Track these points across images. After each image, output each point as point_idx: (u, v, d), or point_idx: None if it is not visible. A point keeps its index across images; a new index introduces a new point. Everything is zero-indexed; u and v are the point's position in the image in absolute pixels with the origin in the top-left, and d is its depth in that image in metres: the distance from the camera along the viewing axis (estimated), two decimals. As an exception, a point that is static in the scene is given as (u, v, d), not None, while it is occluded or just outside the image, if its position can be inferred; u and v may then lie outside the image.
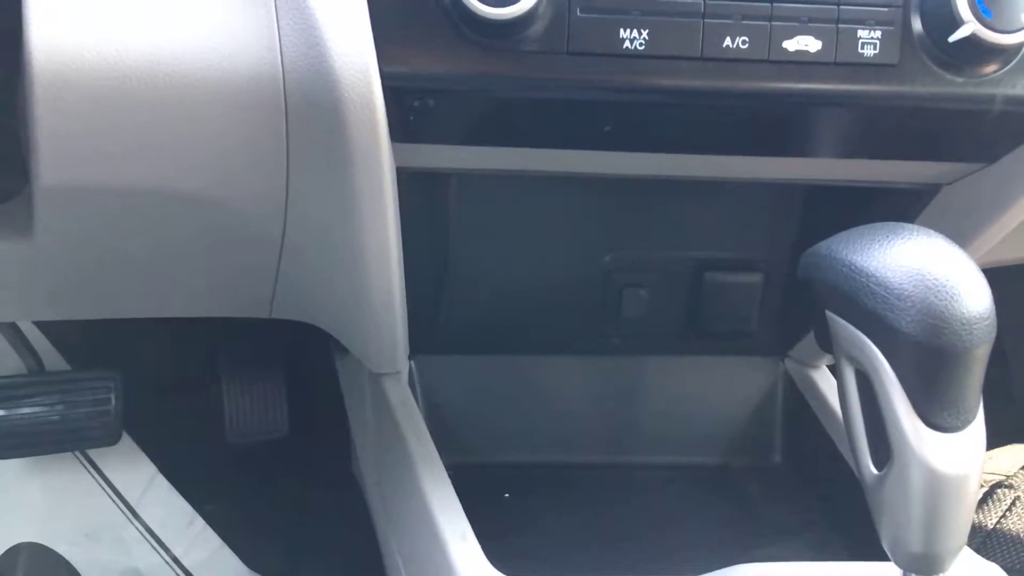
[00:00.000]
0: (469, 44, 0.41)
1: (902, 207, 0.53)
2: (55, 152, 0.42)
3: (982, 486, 0.90)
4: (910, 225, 0.39)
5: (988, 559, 0.49)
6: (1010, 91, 0.43)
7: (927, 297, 0.36)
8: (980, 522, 0.81)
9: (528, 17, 0.40)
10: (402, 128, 0.44)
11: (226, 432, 0.97)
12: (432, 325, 0.61)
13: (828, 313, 0.39)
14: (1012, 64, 0.42)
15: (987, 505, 0.86)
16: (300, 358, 0.94)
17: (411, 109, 0.43)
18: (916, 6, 0.42)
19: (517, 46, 0.41)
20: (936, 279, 0.36)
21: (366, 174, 0.45)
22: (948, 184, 0.51)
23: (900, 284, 0.36)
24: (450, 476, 0.55)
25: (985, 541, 0.78)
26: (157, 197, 0.46)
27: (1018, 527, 0.79)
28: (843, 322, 0.38)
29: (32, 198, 0.46)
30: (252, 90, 0.42)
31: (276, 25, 0.41)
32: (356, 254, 0.49)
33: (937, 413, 0.37)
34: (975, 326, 0.35)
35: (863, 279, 0.37)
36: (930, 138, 0.47)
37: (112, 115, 0.41)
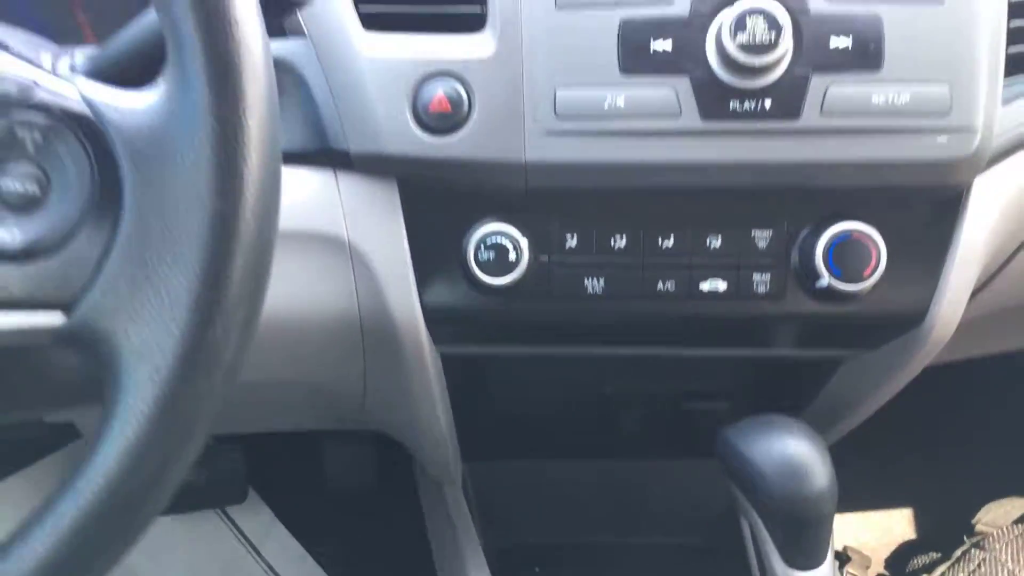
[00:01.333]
0: (479, 292, 0.60)
1: (819, 373, 0.70)
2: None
3: (962, 544, 1.04)
4: (785, 419, 0.56)
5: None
6: (869, 309, 0.60)
7: (787, 482, 0.53)
8: (949, 580, 0.96)
9: (519, 282, 0.59)
10: (440, 337, 0.64)
11: (329, 481, 1.22)
12: (479, 440, 0.82)
13: (729, 482, 0.57)
14: (864, 296, 0.58)
15: (959, 565, 1.00)
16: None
17: (445, 329, 0.64)
18: (794, 263, 0.59)
19: (513, 296, 0.60)
20: (794, 467, 0.54)
21: (416, 368, 0.65)
22: (848, 360, 0.68)
23: (770, 470, 0.54)
24: (493, 555, 0.75)
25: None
26: (283, 384, 0.69)
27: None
28: (738, 491, 0.56)
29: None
30: (341, 325, 0.63)
31: (355, 285, 0.62)
32: (413, 412, 0.70)
33: (796, 558, 0.55)
34: (821, 500, 0.53)
35: (747, 465, 0.55)
36: (818, 335, 0.64)
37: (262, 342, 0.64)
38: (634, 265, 0.60)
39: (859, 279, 0.57)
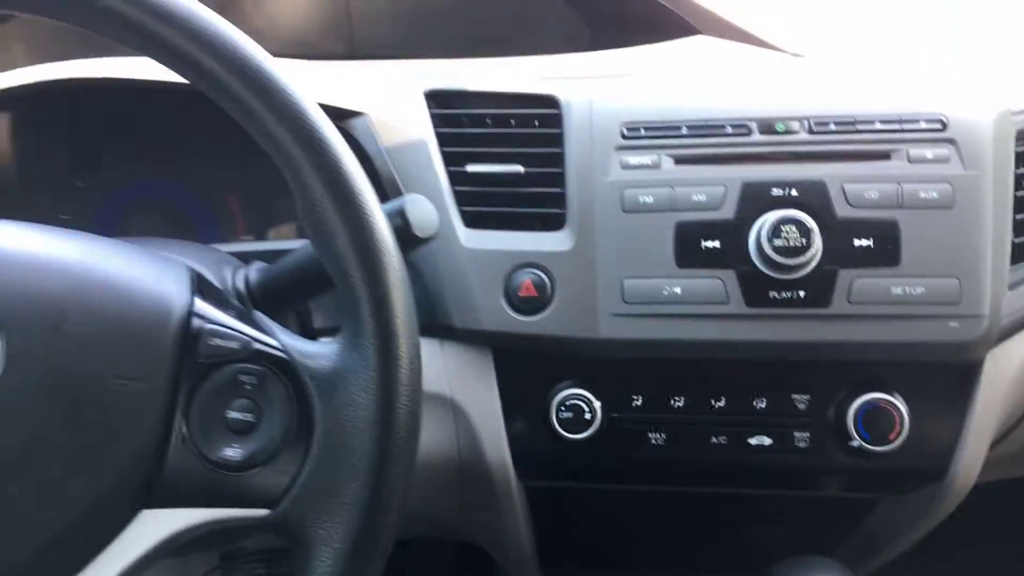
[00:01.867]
0: (560, 443, 0.71)
1: (855, 513, 0.79)
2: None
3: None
4: (823, 561, 0.66)
5: None
6: (896, 464, 0.69)
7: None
8: None
9: (593, 436, 0.70)
10: (525, 474, 0.75)
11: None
12: (557, 551, 0.92)
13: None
14: (892, 454, 0.68)
15: None
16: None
17: (530, 468, 0.75)
18: (829, 423, 0.69)
19: (588, 447, 0.71)
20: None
21: (505, 498, 0.76)
22: (880, 502, 0.77)
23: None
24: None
25: None
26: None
27: None
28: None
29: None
30: (443, 463, 0.75)
31: (455, 433, 0.74)
32: (500, 530, 0.81)
33: None
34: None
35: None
36: (852, 481, 0.73)
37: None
38: (691, 422, 0.71)
39: (885, 442, 0.66)
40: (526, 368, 0.72)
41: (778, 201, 0.67)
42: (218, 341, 0.47)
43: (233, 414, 0.46)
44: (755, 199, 0.67)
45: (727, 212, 0.67)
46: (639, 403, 0.71)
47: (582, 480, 0.77)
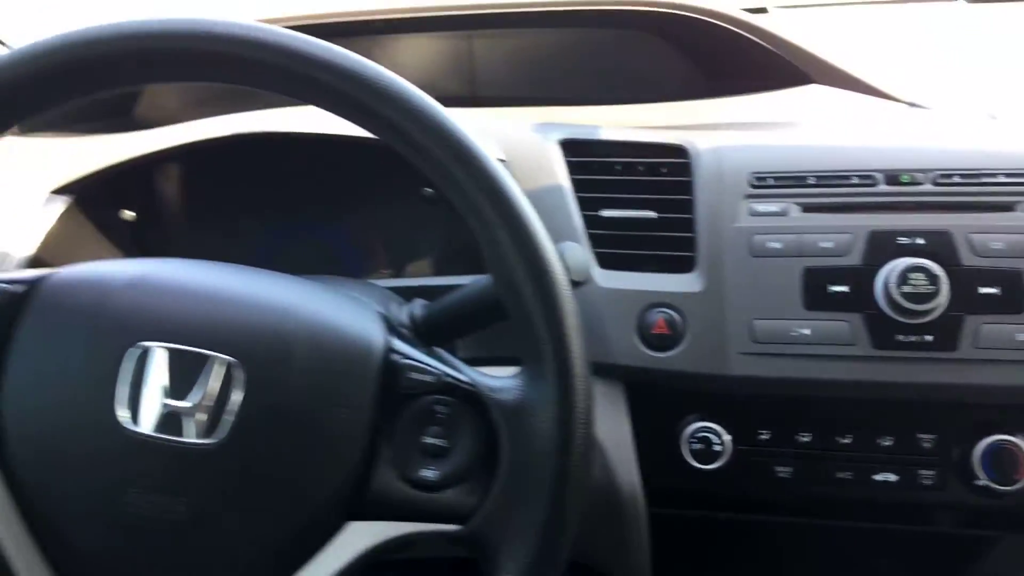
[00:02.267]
0: (689, 473, 0.76)
1: (977, 549, 0.81)
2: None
3: None
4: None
5: None
6: (1020, 503, 0.71)
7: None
8: None
9: (722, 468, 0.74)
10: (653, 501, 0.80)
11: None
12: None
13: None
14: (1016, 493, 0.70)
15: None
16: None
17: (659, 496, 0.79)
18: (954, 462, 0.72)
19: (717, 477, 0.75)
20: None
21: (634, 523, 0.80)
22: (1007, 537, 0.78)
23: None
24: None
25: None
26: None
27: None
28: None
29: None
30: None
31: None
32: (623, 552, 0.85)
33: None
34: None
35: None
36: (974, 518, 0.76)
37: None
38: (816, 457, 0.74)
39: (1011, 482, 0.69)
40: (655, 402, 0.76)
41: (904, 249, 0.70)
42: (415, 375, 0.53)
43: (428, 439, 0.52)
44: (882, 247, 0.71)
45: (854, 259, 0.71)
46: (766, 437, 0.75)
47: (708, 509, 0.81)
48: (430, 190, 0.90)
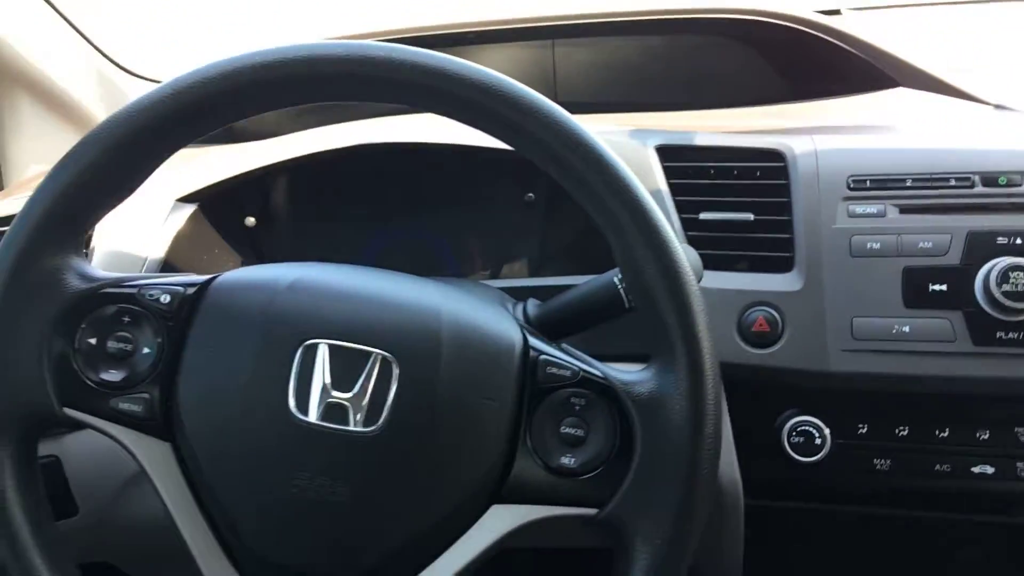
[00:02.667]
0: (789, 466, 0.79)
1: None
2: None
3: None
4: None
5: None
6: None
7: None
8: None
9: (822, 460, 0.77)
10: (751, 493, 0.83)
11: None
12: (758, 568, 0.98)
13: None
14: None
15: None
16: None
17: (757, 487, 0.82)
18: None
19: (815, 470, 0.78)
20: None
21: (732, 515, 0.84)
22: None
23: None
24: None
25: None
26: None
27: None
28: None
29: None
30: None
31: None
32: (715, 542, 0.88)
33: None
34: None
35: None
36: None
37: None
38: (915, 450, 0.77)
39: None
40: (756, 397, 0.79)
41: (1003, 249, 0.73)
42: (554, 369, 0.57)
43: (566, 429, 0.56)
44: (981, 247, 0.73)
45: (953, 258, 0.74)
46: (864, 431, 0.78)
47: (806, 500, 0.84)
48: (531, 195, 0.94)
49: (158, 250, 0.84)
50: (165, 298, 0.57)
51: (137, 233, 0.84)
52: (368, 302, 0.57)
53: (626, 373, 0.57)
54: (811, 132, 0.87)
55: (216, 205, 0.89)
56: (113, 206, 0.59)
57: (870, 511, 0.83)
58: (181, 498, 0.56)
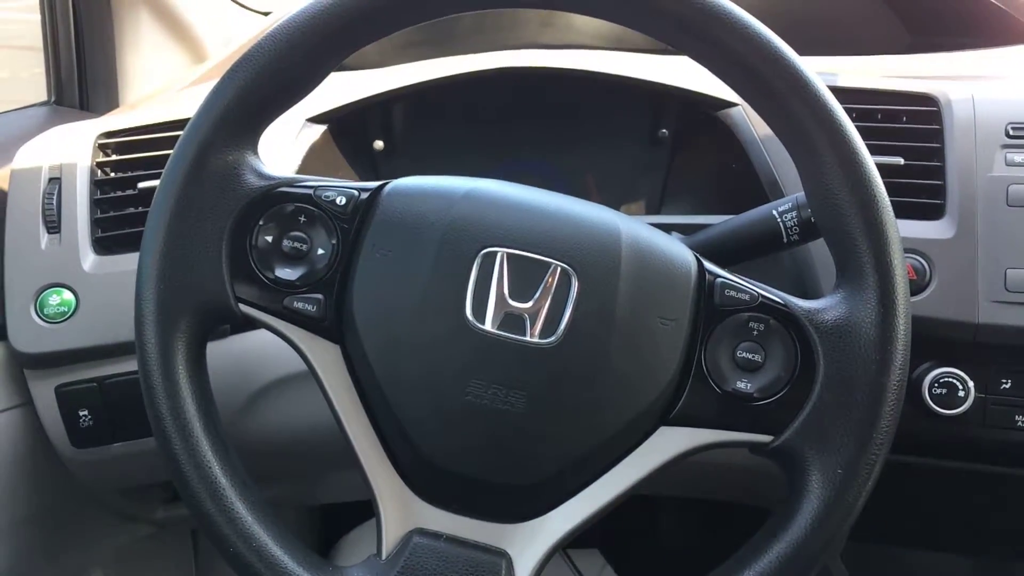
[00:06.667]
0: (929, 418, 0.77)
1: None
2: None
3: None
4: None
5: None
6: None
7: None
8: None
9: (963, 414, 0.75)
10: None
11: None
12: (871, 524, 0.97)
13: None
14: None
15: None
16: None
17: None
18: None
19: (956, 423, 0.76)
20: None
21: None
22: None
23: None
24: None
25: None
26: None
27: None
28: None
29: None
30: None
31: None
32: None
33: None
34: None
35: None
36: None
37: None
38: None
39: None
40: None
41: None
42: (732, 292, 0.55)
43: (743, 354, 0.55)
44: None
45: (1118, 210, 0.71)
46: (1007, 386, 0.76)
47: (941, 456, 0.82)
48: (665, 131, 0.92)
49: (289, 167, 0.83)
50: (341, 200, 0.57)
51: (269, 150, 0.84)
52: (546, 214, 0.56)
53: (806, 301, 0.56)
54: (957, 79, 0.83)
55: (345, 127, 0.89)
56: (288, 105, 0.58)
57: (1008, 471, 0.81)
58: (349, 401, 0.56)
